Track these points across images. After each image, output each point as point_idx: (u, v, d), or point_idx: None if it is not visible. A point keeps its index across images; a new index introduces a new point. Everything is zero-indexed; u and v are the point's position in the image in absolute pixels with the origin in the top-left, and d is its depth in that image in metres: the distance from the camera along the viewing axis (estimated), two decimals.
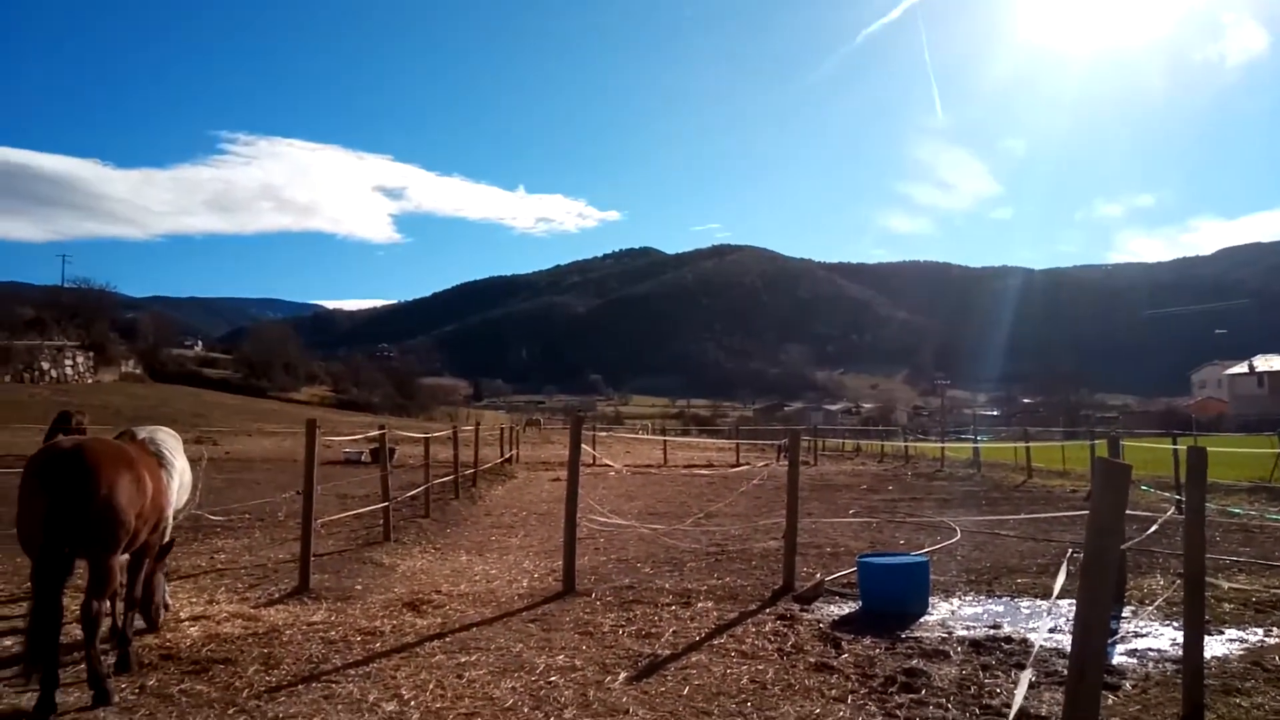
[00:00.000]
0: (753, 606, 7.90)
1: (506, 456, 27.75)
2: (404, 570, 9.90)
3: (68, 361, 73.26)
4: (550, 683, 5.69)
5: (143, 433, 7.29)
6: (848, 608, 7.90)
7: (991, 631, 6.99)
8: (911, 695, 5.43)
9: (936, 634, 6.95)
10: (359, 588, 8.80)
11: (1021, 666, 5.91)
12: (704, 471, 27.15)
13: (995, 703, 5.27)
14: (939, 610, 7.81)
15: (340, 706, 5.23)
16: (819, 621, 7.36)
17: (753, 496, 17.65)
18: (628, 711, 5.17)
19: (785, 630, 7.04)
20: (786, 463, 9.63)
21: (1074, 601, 3.46)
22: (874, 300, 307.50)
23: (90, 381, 73.42)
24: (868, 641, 6.68)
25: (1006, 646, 6.50)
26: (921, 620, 7.40)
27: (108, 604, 5.81)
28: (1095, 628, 3.25)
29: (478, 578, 9.50)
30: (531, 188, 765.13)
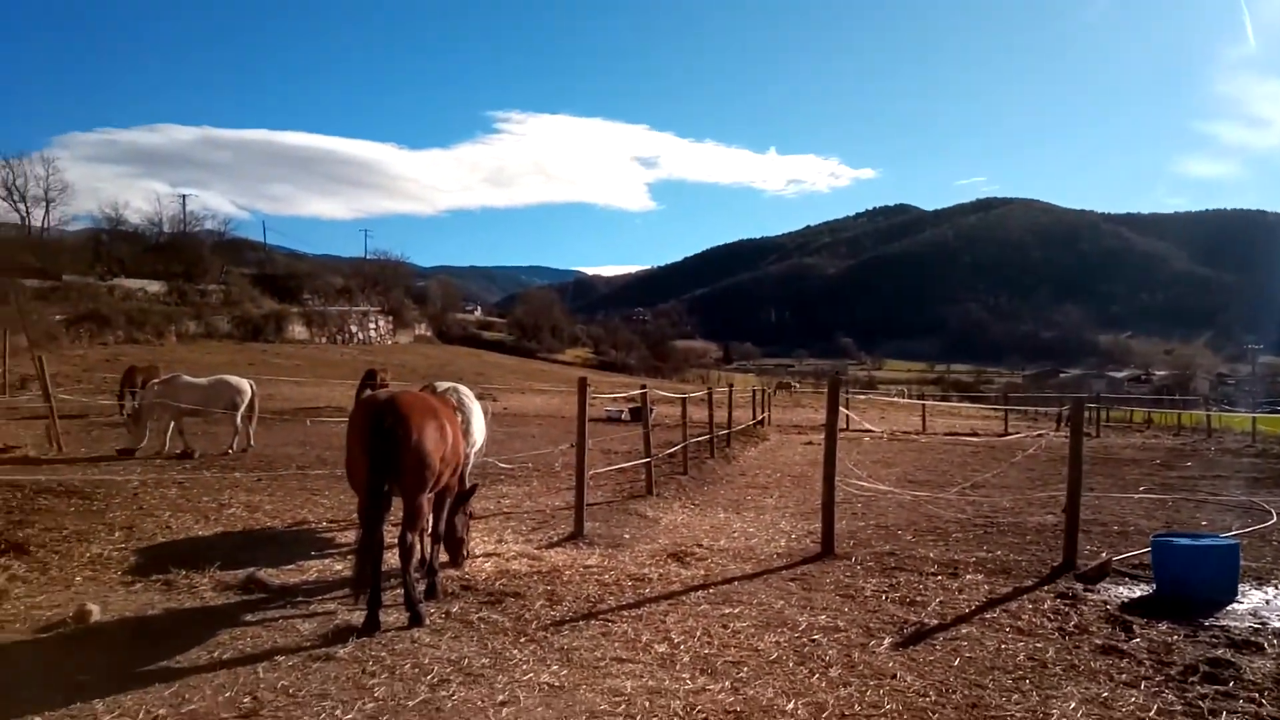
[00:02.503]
0: (1028, 582, 7.47)
1: (758, 419, 27.93)
2: (666, 523, 10.36)
3: (371, 325, 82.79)
4: (813, 641, 5.76)
5: (443, 386, 8.18)
6: (1139, 590, 7.25)
7: None
8: (1216, 687, 4.94)
9: (1247, 624, 6.23)
10: (627, 536, 9.34)
11: None
12: (969, 439, 25.76)
13: None
14: (1250, 599, 6.97)
15: (617, 644, 5.62)
16: (1105, 603, 6.83)
17: (1024, 468, 16.58)
18: (894, 676, 5.12)
19: (1067, 609, 6.60)
20: (1066, 432, 8.94)
21: None
22: (1170, 255, 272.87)
23: (390, 343, 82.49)
24: (1163, 627, 6.12)
25: None
26: (1228, 608, 6.65)
27: (418, 539, 6.61)
28: None
29: (736, 534, 9.75)
30: (783, 149, 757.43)
